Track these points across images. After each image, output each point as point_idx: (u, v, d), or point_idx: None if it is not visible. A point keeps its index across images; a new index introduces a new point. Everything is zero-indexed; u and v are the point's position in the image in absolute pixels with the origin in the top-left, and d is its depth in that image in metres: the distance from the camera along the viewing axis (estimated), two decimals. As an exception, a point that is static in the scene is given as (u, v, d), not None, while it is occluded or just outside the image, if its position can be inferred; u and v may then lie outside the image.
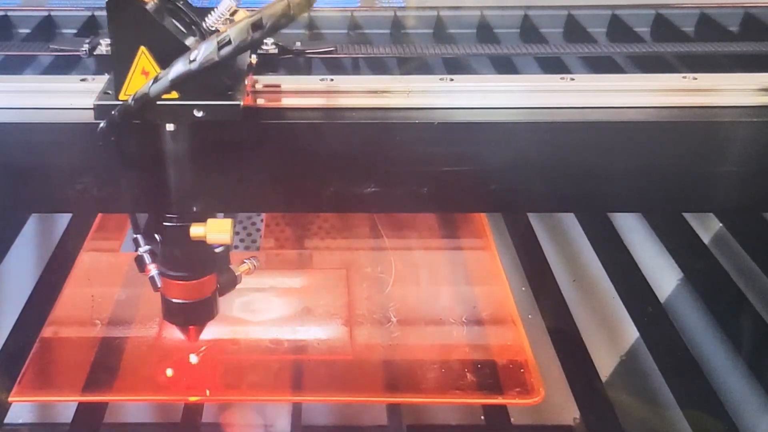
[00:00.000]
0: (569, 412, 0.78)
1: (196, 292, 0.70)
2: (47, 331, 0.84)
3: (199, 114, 0.60)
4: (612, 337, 0.91)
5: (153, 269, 0.70)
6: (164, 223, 0.66)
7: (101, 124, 0.60)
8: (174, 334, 0.83)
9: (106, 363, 0.80)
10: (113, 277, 0.92)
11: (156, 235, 0.69)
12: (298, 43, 0.86)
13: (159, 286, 0.70)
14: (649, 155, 0.84)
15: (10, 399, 0.76)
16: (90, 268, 0.93)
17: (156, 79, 0.56)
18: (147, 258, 0.70)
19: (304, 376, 0.79)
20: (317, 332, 0.84)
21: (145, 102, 0.57)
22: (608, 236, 0.99)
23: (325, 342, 0.83)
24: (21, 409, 0.78)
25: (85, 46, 0.77)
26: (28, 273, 0.95)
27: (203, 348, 0.82)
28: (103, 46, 0.78)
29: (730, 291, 0.90)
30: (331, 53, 0.89)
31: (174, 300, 0.70)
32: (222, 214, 0.70)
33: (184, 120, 0.61)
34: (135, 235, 0.70)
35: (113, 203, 0.86)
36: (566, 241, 1.02)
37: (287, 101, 0.75)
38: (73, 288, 0.90)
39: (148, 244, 0.70)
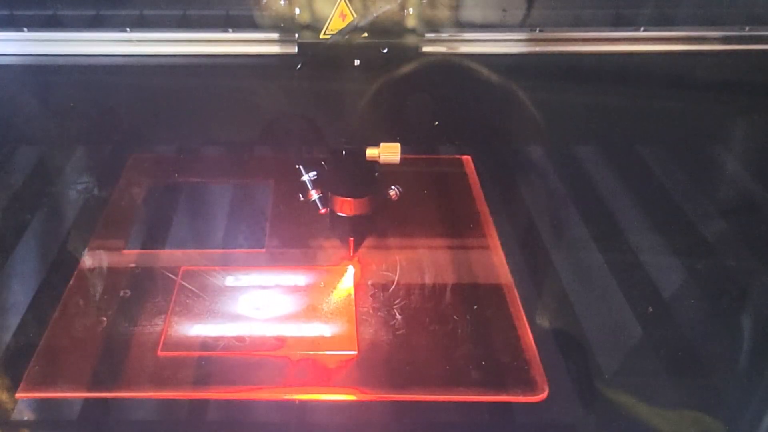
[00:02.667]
0: (573, 410, 0.78)
1: (361, 209, 0.85)
2: (53, 329, 0.84)
3: (384, 51, 0.76)
4: (616, 336, 0.92)
5: (314, 194, 0.87)
6: (344, 146, 0.79)
7: (299, 64, 0.78)
8: (178, 332, 0.84)
9: (111, 360, 0.81)
10: (118, 275, 0.92)
11: (322, 162, 0.84)
12: None
13: (321, 209, 0.87)
14: (600, 93, 0.99)
15: (16, 395, 0.77)
16: (95, 266, 0.94)
17: (361, 17, 0.72)
18: (309, 184, 0.86)
19: (309, 373, 0.80)
20: (322, 330, 0.84)
21: (355, 31, 0.73)
22: (612, 235, 0.99)
23: (330, 339, 0.83)
24: (27, 405, 0.78)
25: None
26: (33, 270, 0.95)
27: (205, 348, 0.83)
28: None
29: (733, 290, 0.90)
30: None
31: (340, 214, 0.85)
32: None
33: (371, 55, 0.76)
34: (298, 165, 0.86)
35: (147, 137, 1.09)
36: (570, 240, 1.02)
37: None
38: (78, 285, 0.90)
39: (310, 172, 0.86)
